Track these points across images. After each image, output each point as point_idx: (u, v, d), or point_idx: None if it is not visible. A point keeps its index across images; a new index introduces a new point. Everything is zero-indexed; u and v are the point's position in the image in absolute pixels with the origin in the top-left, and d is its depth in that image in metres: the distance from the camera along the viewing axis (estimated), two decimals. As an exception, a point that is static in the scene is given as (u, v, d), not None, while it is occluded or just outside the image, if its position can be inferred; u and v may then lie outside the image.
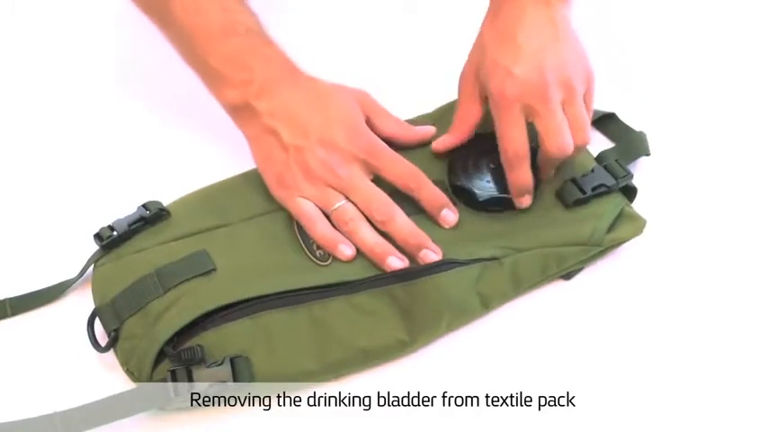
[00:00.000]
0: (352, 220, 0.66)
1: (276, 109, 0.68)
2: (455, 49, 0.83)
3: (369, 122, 0.70)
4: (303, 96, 0.69)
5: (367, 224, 0.66)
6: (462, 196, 0.69)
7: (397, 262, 0.65)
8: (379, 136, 0.69)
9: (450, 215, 0.68)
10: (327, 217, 0.67)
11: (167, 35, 0.74)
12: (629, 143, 0.75)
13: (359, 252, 0.66)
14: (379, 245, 0.65)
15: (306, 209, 0.67)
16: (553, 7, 0.67)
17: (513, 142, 0.65)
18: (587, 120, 0.67)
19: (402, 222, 0.66)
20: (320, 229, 0.66)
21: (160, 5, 0.72)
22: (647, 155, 0.74)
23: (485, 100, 0.69)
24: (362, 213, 0.66)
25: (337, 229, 0.66)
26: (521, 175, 0.66)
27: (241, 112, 0.70)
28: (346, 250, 0.65)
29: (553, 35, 0.67)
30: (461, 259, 0.65)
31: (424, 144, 0.72)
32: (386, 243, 0.65)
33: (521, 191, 0.67)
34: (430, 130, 0.73)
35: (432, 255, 0.65)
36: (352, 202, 0.67)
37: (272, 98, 0.69)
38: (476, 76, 0.69)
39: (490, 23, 0.69)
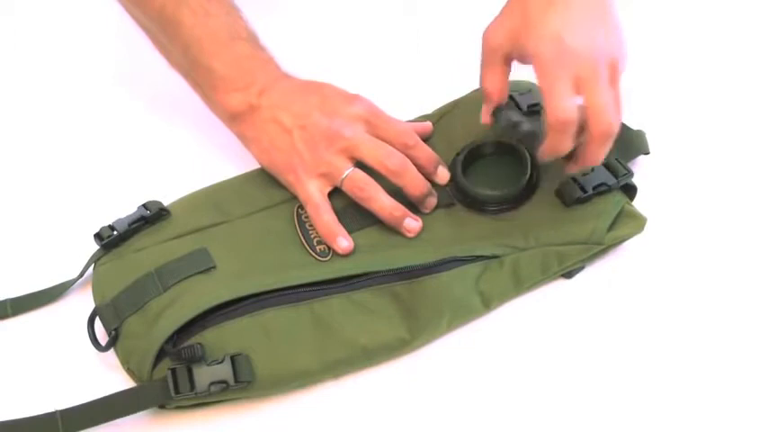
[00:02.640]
0: (367, 186, 0.67)
1: (275, 102, 0.70)
2: (455, 50, 0.83)
3: None
4: (298, 88, 0.71)
5: (381, 189, 0.67)
6: (463, 199, 0.69)
7: (413, 222, 0.67)
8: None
9: (444, 172, 0.69)
10: (338, 194, 0.67)
11: (169, 45, 0.74)
12: (627, 142, 0.75)
13: (358, 244, 0.66)
14: (398, 208, 0.67)
15: (314, 196, 0.67)
16: None
17: (563, 111, 0.62)
18: (620, 101, 0.65)
19: (414, 172, 0.68)
20: (325, 218, 0.66)
21: (166, 15, 0.72)
22: (647, 153, 0.74)
23: (509, 62, 0.67)
24: (372, 174, 0.67)
25: (353, 197, 0.67)
26: (561, 143, 0.64)
27: (243, 116, 0.71)
28: (343, 242, 0.65)
29: (602, 8, 0.65)
30: (462, 255, 0.65)
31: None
32: (402, 206, 0.67)
33: (553, 155, 0.65)
34: (426, 125, 0.73)
35: (433, 200, 0.68)
36: (360, 167, 0.67)
37: (271, 94, 0.70)
38: (508, 35, 0.65)
39: None
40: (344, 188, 0.67)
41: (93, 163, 0.77)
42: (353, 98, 0.70)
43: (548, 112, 0.63)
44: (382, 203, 0.66)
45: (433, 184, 0.69)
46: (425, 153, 0.69)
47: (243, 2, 0.75)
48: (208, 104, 0.73)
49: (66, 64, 0.86)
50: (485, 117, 0.69)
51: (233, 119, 0.72)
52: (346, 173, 0.67)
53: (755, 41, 0.87)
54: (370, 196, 0.66)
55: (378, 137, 0.68)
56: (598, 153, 0.64)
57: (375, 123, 0.68)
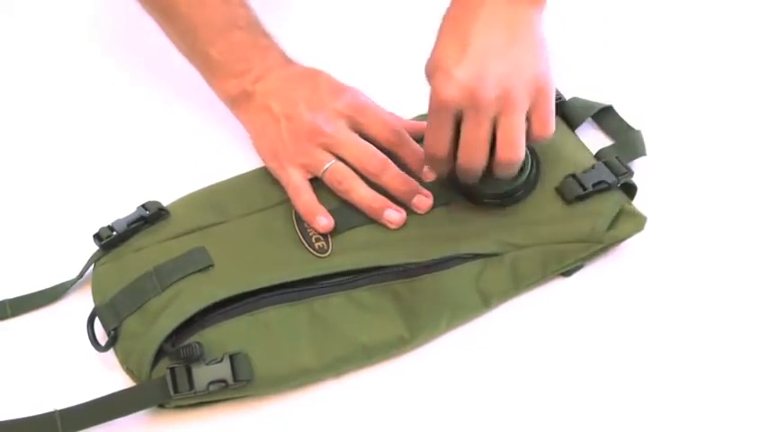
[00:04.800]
0: (346, 179, 0.67)
1: (269, 89, 0.71)
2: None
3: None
4: (294, 75, 0.72)
5: (361, 181, 0.67)
6: (463, 195, 0.69)
7: (394, 214, 0.66)
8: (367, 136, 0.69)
9: (430, 171, 0.68)
10: (320, 182, 0.68)
11: (169, 31, 0.76)
12: (628, 141, 0.75)
13: (357, 241, 0.66)
14: (376, 199, 0.67)
15: (293, 178, 0.68)
16: (517, 5, 0.62)
17: (431, 145, 0.63)
18: (518, 137, 0.61)
19: (394, 172, 0.68)
20: (304, 199, 0.67)
21: (164, 2, 0.74)
22: (645, 155, 0.74)
23: None
24: (354, 169, 0.67)
25: (333, 190, 0.68)
26: (435, 173, 0.66)
27: (239, 101, 0.72)
28: (322, 221, 0.66)
29: (508, 36, 0.61)
30: (463, 254, 0.65)
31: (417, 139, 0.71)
32: (382, 197, 0.67)
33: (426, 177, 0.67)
34: (424, 125, 0.73)
35: (424, 199, 0.67)
36: (343, 161, 0.68)
37: (266, 81, 0.71)
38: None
39: (447, 13, 0.64)
40: (325, 180, 0.68)
41: (93, 163, 0.77)
42: (342, 91, 0.70)
43: (424, 144, 0.65)
44: (360, 195, 0.67)
45: (433, 182, 0.69)
46: (411, 151, 0.69)
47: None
48: (210, 88, 0.75)
49: (65, 65, 0.86)
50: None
51: (231, 103, 0.74)
52: (327, 165, 0.67)
53: (753, 42, 0.86)
54: (349, 188, 0.67)
55: (362, 133, 0.69)
56: (463, 178, 0.65)
57: (359, 120, 0.69)
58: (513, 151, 0.62)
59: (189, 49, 0.75)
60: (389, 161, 0.68)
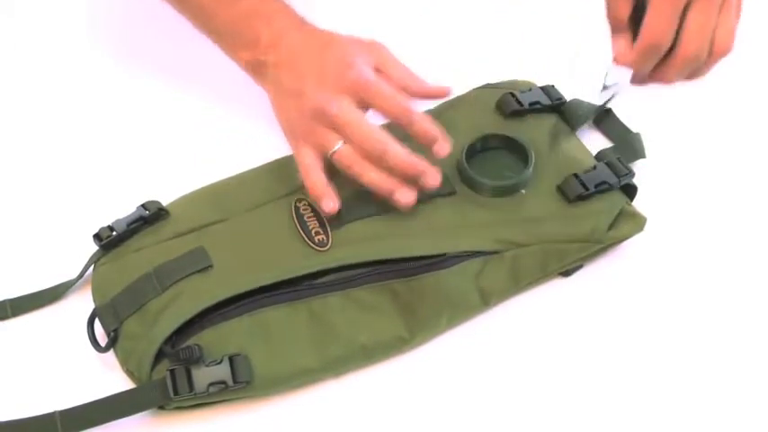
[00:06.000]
0: (356, 163, 0.66)
1: (280, 60, 0.70)
2: (457, 49, 0.83)
3: (379, 72, 0.69)
4: (306, 44, 0.70)
5: (370, 164, 0.66)
6: (466, 186, 0.69)
7: (406, 194, 0.65)
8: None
9: (443, 146, 0.66)
10: (330, 163, 0.67)
11: (182, 8, 0.75)
12: (627, 143, 0.75)
13: (356, 234, 0.65)
14: (387, 182, 0.65)
15: (304, 158, 0.67)
16: None
17: (655, 33, 0.63)
18: (733, 27, 0.64)
19: (398, 152, 0.65)
20: (313, 178, 0.66)
21: None
22: (644, 157, 0.74)
23: None
24: (360, 150, 0.66)
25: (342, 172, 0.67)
26: (643, 64, 0.65)
27: (255, 69, 0.71)
28: (329, 203, 0.65)
29: None
30: (463, 252, 0.65)
31: (433, 100, 0.71)
32: (392, 180, 0.65)
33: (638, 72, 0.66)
34: (444, 89, 0.71)
35: (431, 178, 0.65)
36: (349, 141, 0.66)
37: (277, 50, 0.70)
38: None
39: None
40: (334, 163, 0.66)
41: (93, 163, 0.77)
42: (348, 68, 0.67)
43: (642, 30, 0.63)
44: (370, 178, 0.66)
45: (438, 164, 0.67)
46: (421, 128, 0.66)
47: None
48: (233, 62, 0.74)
49: (65, 65, 0.86)
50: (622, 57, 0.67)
51: (252, 73, 0.73)
52: (335, 148, 0.66)
53: (752, 44, 0.86)
54: (359, 172, 0.66)
55: (372, 108, 0.67)
56: (675, 75, 0.65)
57: (366, 98, 0.66)
58: (726, 41, 0.64)
59: (203, 25, 0.74)
60: (392, 143, 0.65)
